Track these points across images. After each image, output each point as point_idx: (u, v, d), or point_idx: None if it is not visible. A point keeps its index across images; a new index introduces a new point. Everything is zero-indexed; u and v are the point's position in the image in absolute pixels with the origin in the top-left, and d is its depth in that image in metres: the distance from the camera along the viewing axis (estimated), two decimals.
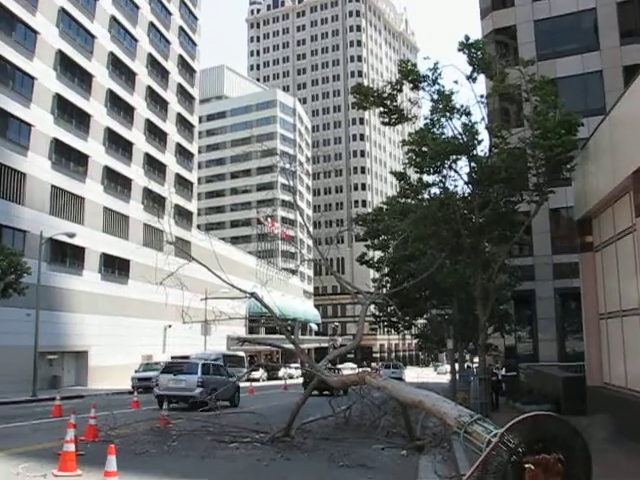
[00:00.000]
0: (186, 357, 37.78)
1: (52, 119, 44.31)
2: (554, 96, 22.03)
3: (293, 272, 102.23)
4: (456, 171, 23.45)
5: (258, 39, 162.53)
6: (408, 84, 23.96)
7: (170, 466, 12.13)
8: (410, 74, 23.55)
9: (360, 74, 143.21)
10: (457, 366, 38.40)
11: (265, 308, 19.16)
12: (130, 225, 54.90)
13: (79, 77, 48.03)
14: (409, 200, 29.79)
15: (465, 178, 23.63)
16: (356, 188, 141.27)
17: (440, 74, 23.11)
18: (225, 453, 13.77)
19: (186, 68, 69.85)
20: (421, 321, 46.49)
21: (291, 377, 61.11)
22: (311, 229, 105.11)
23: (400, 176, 29.20)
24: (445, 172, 23.47)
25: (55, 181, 44.32)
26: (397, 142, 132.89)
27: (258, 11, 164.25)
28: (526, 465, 6.67)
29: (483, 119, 23.49)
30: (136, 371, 41.40)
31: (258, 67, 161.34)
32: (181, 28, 68.55)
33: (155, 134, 61.00)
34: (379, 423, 17.20)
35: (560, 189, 24.76)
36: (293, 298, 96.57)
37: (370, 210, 72.33)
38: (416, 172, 25.30)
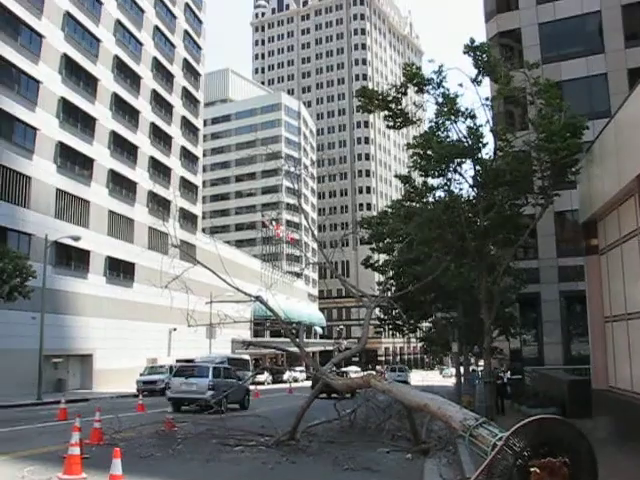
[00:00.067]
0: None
1: (57, 123, 44.45)
2: (559, 99, 21.99)
3: (298, 275, 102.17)
4: (461, 174, 23.45)
5: (263, 42, 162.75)
6: (413, 87, 23.91)
7: (175, 470, 12.14)
8: (415, 77, 23.52)
9: (365, 77, 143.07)
10: (462, 369, 38.30)
11: (270, 311, 19.17)
12: (135, 228, 55.00)
13: (84, 81, 48.16)
14: (414, 203, 29.78)
15: (470, 181, 23.63)
16: (361, 191, 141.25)
17: (445, 77, 23.09)
18: (230, 456, 13.77)
19: (191, 71, 70.00)
20: (426, 324, 46.41)
21: (296, 380, 61.05)
22: (316, 232, 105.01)
23: (405, 179, 29.16)
24: (450, 175, 23.46)
25: (60, 184, 44.42)
26: (402, 145, 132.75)
27: (263, 14, 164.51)
28: (532, 469, 6.64)
29: (488, 122, 23.49)
30: (141, 374, 41.47)
31: (263, 70, 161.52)
32: (186, 32, 68.73)
33: (160, 137, 61.12)
34: (384, 426, 17.19)
35: (565, 192, 24.71)
36: (298, 301, 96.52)
37: (375, 213, 72.30)
38: (421, 175, 25.32)
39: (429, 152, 23.22)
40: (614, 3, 32.56)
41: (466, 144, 22.50)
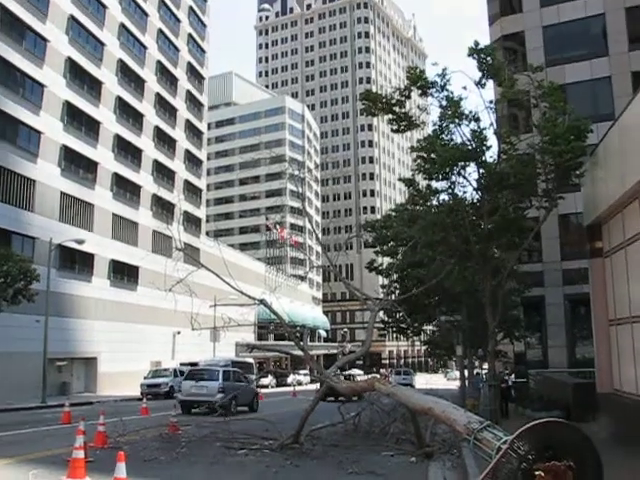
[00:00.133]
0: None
1: (62, 126, 44.55)
2: (563, 102, 21.98)
3: (302, 278, 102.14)
4: (465, 177, 23.39)
5: (267, 46, 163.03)
6: (416, 90, 23.91)
7: (179, 473, 12.13)
8: (418, 80, 23.52)
9: (368, 80, 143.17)
10: (466, 373, 38.22)
11: (274, 315, 19.16)
12: (139, 232, 55.07)
13: (88, 84, 48.29)
14: (418, 206, 29.76)
15: (474, 184, 23.57)
16: (365, 194, 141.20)
17: (449, 80, 23.06)
18: (234, 460, 13.76)
19: (195, 75, 70.14)
20: (430, 327, 46.35)
21: (300, 384, 61.02)
22: (320, 235, 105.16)
23: (409, 182, 29.13)
24: (454, 178, 23.39)
25: (64, 188, 44.51)
26: (406, 148, 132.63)
27: (267, 18, 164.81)
28: (536, 472, 6.62)
29: (492, 125, 23.45)
30: (145, 377, 41.49)
31: (267, 74, 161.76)
32: (190, 35, 68.89)
33: (164, 141, 61.23)
34: (388, 430, 17.14)
35: (569, 195, 24.65)
36: (302, 305, 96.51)
37: (379, 216, 72.32)
38: (425, 178, 25.30)
39: (433, 155, 23.19)
40: (618, 6, 32.52)
41: (470, 147, 22.46)
